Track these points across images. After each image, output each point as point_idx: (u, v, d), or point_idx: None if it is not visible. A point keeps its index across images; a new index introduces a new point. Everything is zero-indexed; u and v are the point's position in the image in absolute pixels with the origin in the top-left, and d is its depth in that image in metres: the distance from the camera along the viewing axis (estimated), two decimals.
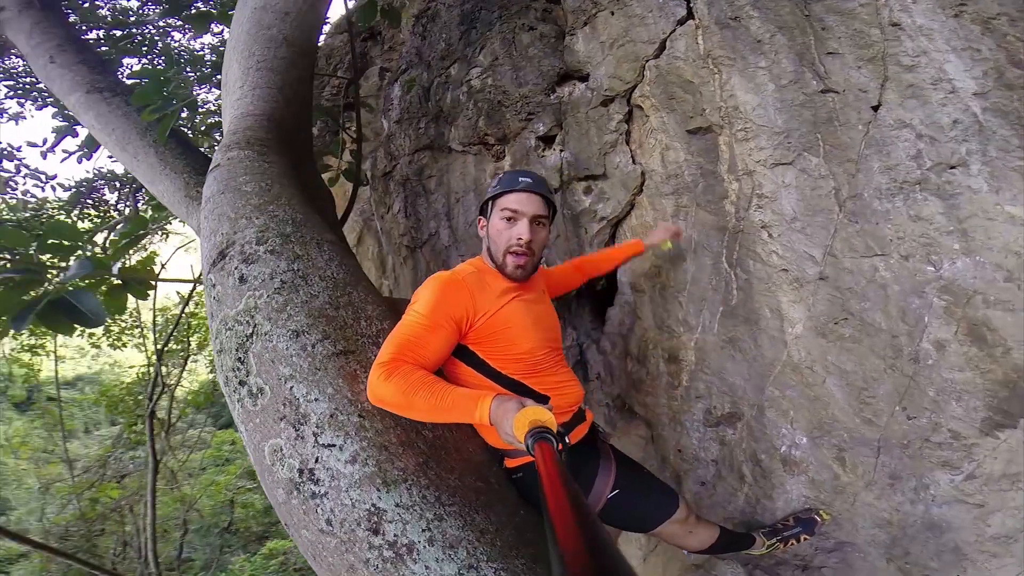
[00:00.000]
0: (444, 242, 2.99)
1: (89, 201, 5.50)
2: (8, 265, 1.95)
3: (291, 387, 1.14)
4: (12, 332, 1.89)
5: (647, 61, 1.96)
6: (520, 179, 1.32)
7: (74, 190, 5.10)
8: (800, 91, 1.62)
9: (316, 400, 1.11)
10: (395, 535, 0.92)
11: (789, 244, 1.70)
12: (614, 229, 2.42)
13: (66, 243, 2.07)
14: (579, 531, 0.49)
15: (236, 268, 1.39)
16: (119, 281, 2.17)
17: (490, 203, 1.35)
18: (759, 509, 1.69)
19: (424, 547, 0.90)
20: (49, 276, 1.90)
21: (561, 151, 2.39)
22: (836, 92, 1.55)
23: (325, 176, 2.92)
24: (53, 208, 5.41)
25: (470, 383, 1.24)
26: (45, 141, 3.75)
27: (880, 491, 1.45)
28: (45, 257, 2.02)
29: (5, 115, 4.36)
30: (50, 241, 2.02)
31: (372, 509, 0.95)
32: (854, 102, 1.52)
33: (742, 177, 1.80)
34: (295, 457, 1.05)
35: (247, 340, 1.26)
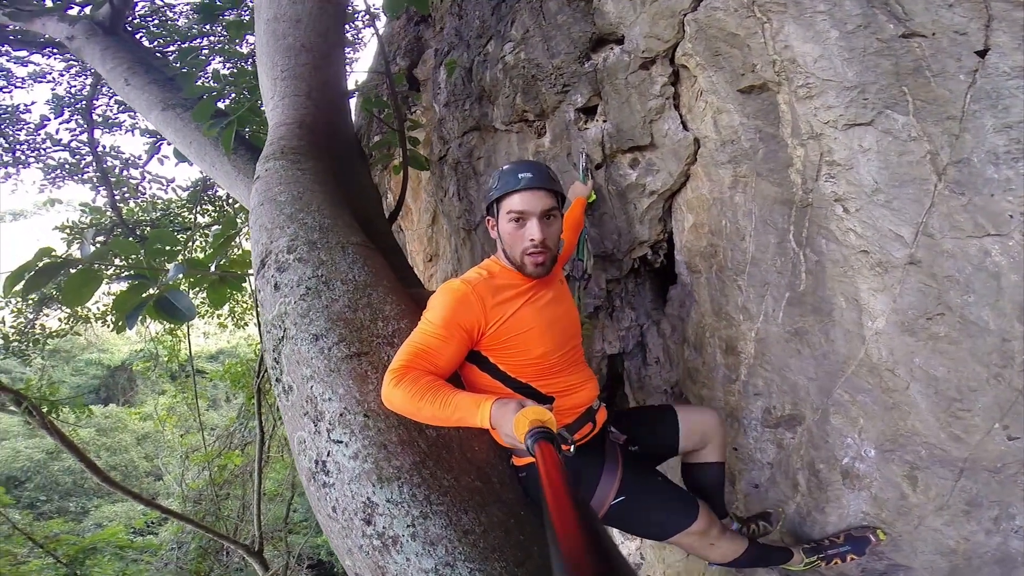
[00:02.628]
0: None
1: (206, 197, 6.30)
2: (123, 272, 2.32)
3: (311, 387, 1.26)
4: (126, 328, 2.25)
5: (684, 15, 1.71)
6: (520, 176, 1.27)
7: (191, 189, 5.89)
8: (873, 37, 1.32)
9: (329, 400, 1.22)
10: (384, 527, 1.02)
11: (870, 220, 1.43)
12: (667, 203, 2.23)
13: (167, 248, 2.43)
14: (579, 531, 0.50)
15: (272, 276, 1.53)
16: (217, 277, 2.48)
17: (495, 204, 1.32)
18: (808, 522, 1.54)
19: (407, 541, 0.99)
20: (159, 278, 2.23)
21: (604, 122, 2.22)
22: (923, 36, 1.23)
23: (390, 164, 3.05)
24: (176, 207, 6.26)
25: (482, 386, 1.28)
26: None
27: (952, 516, 1.24)
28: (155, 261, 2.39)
29: (120, 129, 5.07)
30: (155, 247, 2.38)
31: (367, 502, 1.06)
32: (949, 47, 1.20)
33: (808, 142, 1.54)
34: (313, 449, 1.18)
35: (280, 343, 1.40)
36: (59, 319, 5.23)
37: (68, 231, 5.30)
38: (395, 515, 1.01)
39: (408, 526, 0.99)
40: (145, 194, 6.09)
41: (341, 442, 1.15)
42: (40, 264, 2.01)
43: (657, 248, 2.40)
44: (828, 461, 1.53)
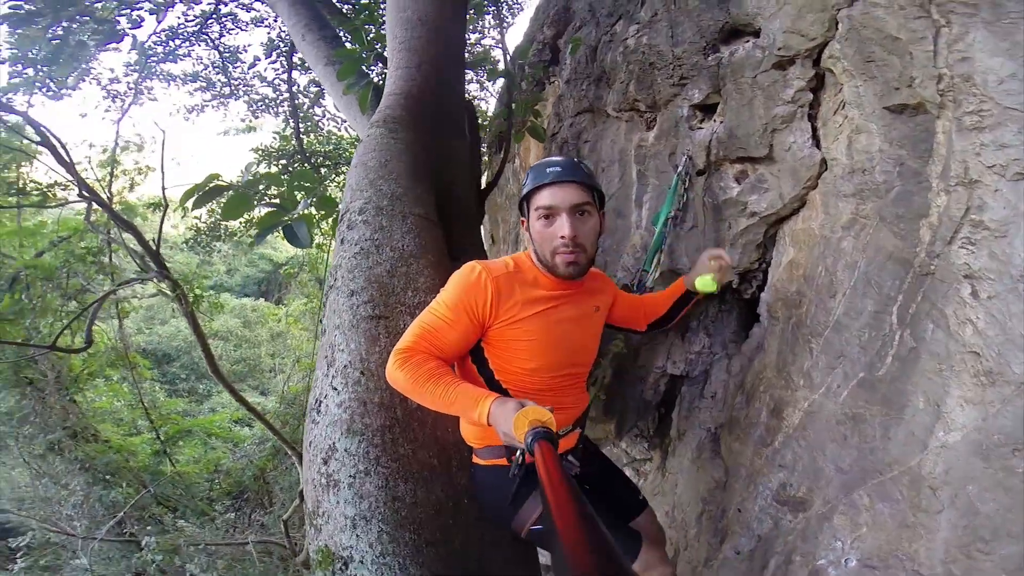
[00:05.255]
0: None
1: None
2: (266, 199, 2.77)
3: (335, 335, 1.41)
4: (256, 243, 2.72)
5: (838, 11, 1.39)
6: (548, 170, 1.20)
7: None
8: None
9: (342, 350, 1.36)
10: (333, 471, 1.17)
11: (1001, 316, 1.07)
12: (771, 230, 1.92)
13: (307, 185, 2.83)
14: (579, 528, 0.52)
15: (342, 232, 1.72)
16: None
17: (524, 204, 1.26)
18: None
19: (344, 488, 1.12)
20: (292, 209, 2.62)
21: (720, 122, 1.96)
22: None
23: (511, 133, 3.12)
24: (346, 142, 7.12)
25: (468, 375, 1.29)
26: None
27: None
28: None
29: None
30: (296, 183, 2.79)
31: (331, 446, 1.22)
32: None
33: (955, 189, 1.18)
34: (318, 388, 1.35)
35: (330, 289, 1.58)
36: (241, 223, 6.47)
37: (260, 153, 6.45)
38: (344, 463, 1.12)
39: (350, 475, 1.09)
40: (324, 130, 7.08)
41: (336, 389, 1.28)
42: (208, 186, 2.52)
43: (750, 277, 2.10)
44: (805, 556, 1.30)
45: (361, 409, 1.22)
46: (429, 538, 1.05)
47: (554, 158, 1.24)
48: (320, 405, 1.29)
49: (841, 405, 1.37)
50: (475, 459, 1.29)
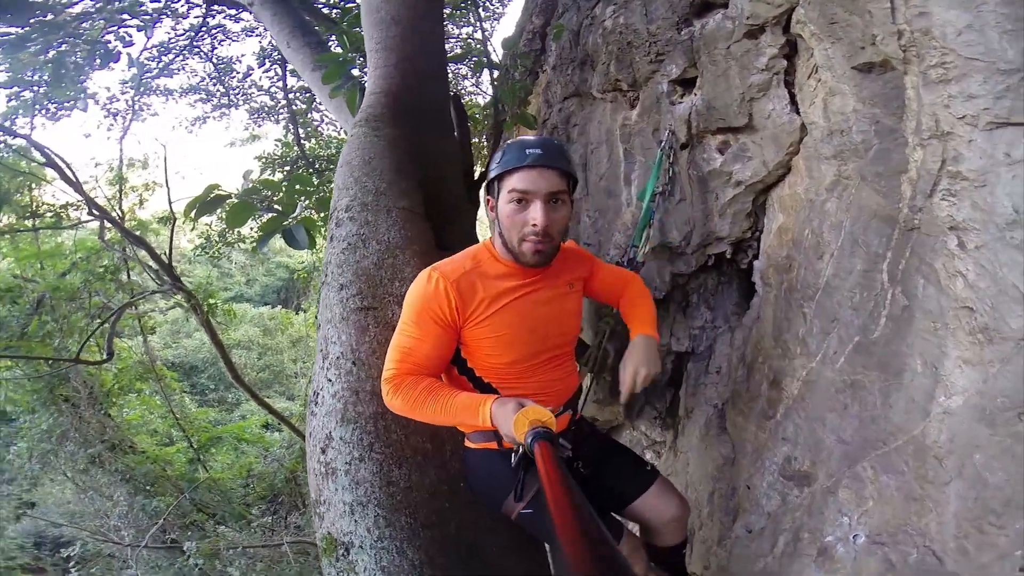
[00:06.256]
0: (577, 195, 2.89)
1: None
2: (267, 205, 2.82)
3: (328, 328, 1.47)
4: (259, 248, 2.77)
5: None
6: (528, 151, 1.11)
7: None
8: None
9: (334, 343, 1.41)
10: (331, 459, 1.22)
11: (991, 267, 1.05)
12: (760, 198, 1.90)
13: (305, 188, 2.87)
14: (578, 526, 0.54)
15: (332, 229, 1.76)
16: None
17: (495, 182, 1.17)
18: None
19: (341, 475, 1.16)
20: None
21: (699, 95, 1.94)
22: None
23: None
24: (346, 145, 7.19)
25: (455, 383, 1.26)
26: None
27: None
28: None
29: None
30: (295, 186, 2.84)
31: (328, 435, 1.26)
32: None
33: (928, 143, 1.15)
34: (315, 381, 1.41)
35: (323, 285, 1.64)
36: (251, 228, 6.59)
37: (264, 160, 6.54)
38: (341, 451, 1.16)
39: (346, 463, 1.14)
40: (324, 134, 7.12)
41: (330, 380, 1.33)
42: (209, 197, 2.58)
43: (745, 247, 2.08)
44: (813, 532, 1.28)
45: (354, 398, 1.26)
46: (425, 521, 1.09)
47: (533, 138, 1.16)
48: (317, 396, 1.34)
49: (839, 372, 1.35)
50: (467, 443, 1.30)
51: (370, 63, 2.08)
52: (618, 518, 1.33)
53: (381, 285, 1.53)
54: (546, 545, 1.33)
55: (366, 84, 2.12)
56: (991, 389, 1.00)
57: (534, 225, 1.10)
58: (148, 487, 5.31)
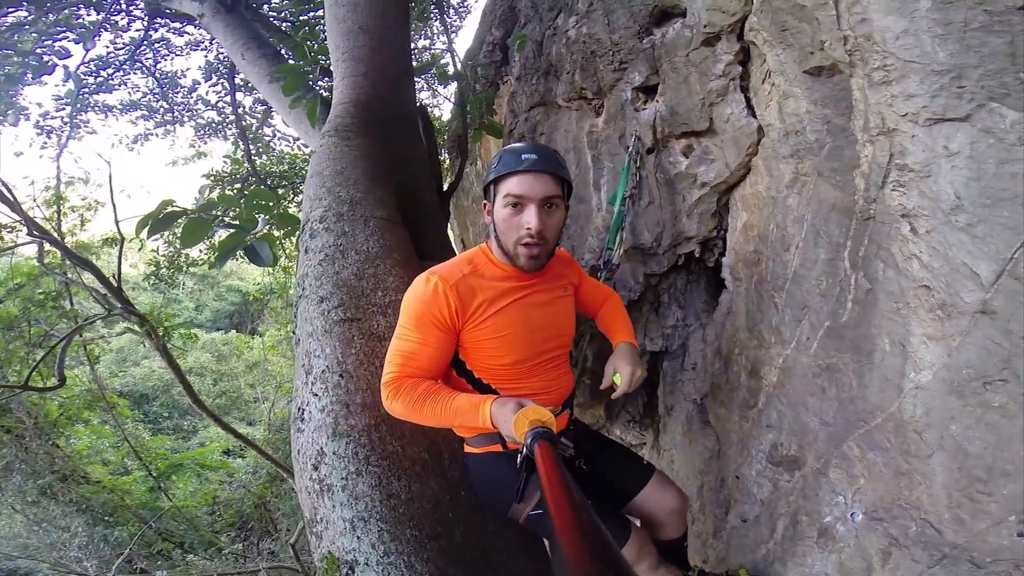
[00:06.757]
0: None
1: None
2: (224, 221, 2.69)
3: (309, 342, 1.42)
4: (217, 266, 2.64)
5: None
6: (523, 156, 1.13)
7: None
8: (980, 8, 1.02)
9: (318, 356, 1.36)
10: (324, 475, 1.17)
11: (941, 248, 1.16)
12: (723, 198, 2.00)
13: (265, 203, 2.76)
14: (578, 529, 0.53)
15: (305, 241, 1.71)
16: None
17: (491, 187, 1.19)
18: (770, 572, 1.36)
19: (338, 491, 1.12)
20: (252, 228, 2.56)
21: (662, 101, 2.03)
22: None
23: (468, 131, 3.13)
24: (300, 160, 6.95)
25: (455, 384, 1.26)
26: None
27: None
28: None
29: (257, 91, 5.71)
30: (254, 202, 2.72)
31: (319, 451, 1.21)
32: None
33: (877, 139, 1.26)
34: (299, 397, 1.35)
35: (299, 299, 1.59)
36: (200, 250, 6.28)
37: (212, 179, 6.26)
38: (335, 467, 1.12)
39: (342, 478, 1.10)
40: (276, 150, 6.89)
41: (316, 395, 1.28)
42: (162, 213, 2.44)
43: (712, 246, 2.18)
44: (811, 514, 1.34)
45: (344, 411, 1.22)
46: (430, 533, 1.06)
47: (528, 144, 1.20)
48: (303, 413, 1.28)
49: (813, 357, 1.44)
50: (467, 448, 1.29)
51: (336, 73, 2.05)
52: (626, 515, 1.34)
53: (364, 296, 1.49)
54: (546, 542, 1.33)
55: (332, 94, 2.08)
56: (956, 362, 1.10)
57: (529, 229, 1.12)
58: (107, 517, 4.97)
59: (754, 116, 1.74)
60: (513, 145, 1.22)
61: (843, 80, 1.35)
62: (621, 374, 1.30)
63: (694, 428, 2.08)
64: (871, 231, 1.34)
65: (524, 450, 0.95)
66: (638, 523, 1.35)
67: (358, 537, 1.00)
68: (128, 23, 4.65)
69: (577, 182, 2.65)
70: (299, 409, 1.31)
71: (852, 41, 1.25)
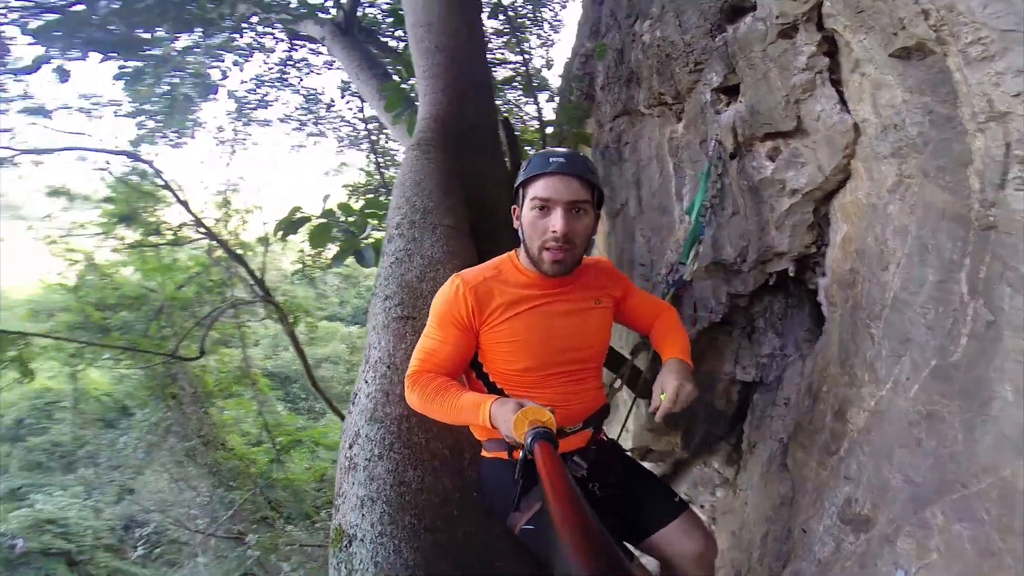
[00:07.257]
0: (631, 213, 2.85)
1: None
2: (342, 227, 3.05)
3: (372, 335, 1.61)
4: (333, 266, 3.06)
5: None
6: (551, 160, 1.13)
7: None
8: None
9: (375, 348, 1.54)
10: (354, 454, 1.27)
11: None
12: (821, 208, 1.74)
13: (378, 212, 3.13)
14: (579, 527, 0.54)
15: (385, 245, 1.92)
16: None
17: (520, 190, 1.20)
18: None
19: (360, 470, 1.21)
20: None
21: (742, 101, 1.85)
22: None
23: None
24: None
25: (474, 387, 1.29)
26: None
27: None
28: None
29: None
30: (367, 210, 3.11)
31: (356, 432, 1.32)
32: None
33: (987, 126, 1.00)
34: (358, 383, 1.52)
35: (374, 296, 1.77)
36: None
37: (350, 189, 7.20)
38: (363, 448, 1.23)
39: (366, 459, 1.20)
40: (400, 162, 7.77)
41: (367, 382, 1.43)
42: (294, 218, 2.92)
43: (811, 264, 1.90)
44: None
45: (384, 399, 1.34)
46: (429, 525, 1.10)
47: (558, 148, 1.20)
48: (356, 397, 1.43)
49: (912, 401, 1.16)
50: (483, 452, 1.30)
51: (420, 90, 2.26)
52: (631, 548, 1.24)
53: (421, 297, 1.62)
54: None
55: (420, 110, 2.30)
56: None
57: (554, 232, 1.11)
58: (231, 482, 5.89)
59: (848, 112, 1.48)
60: (544, 149, 1.22)
61: (937, 61, 1.09)
62: (667, 390, 1.19)
63: (772, 470, 1.81)
64: (993, 244, 1.05)
65: (524, 452, 0.95)
66: (643, 559, 1.23)
67: (363, 515, 1.09)
68: (275, 44, 5.61)
69: (660, 192, 2.52)
70: (355, 393, 1.46)
71: (935, 15, 1.01)
